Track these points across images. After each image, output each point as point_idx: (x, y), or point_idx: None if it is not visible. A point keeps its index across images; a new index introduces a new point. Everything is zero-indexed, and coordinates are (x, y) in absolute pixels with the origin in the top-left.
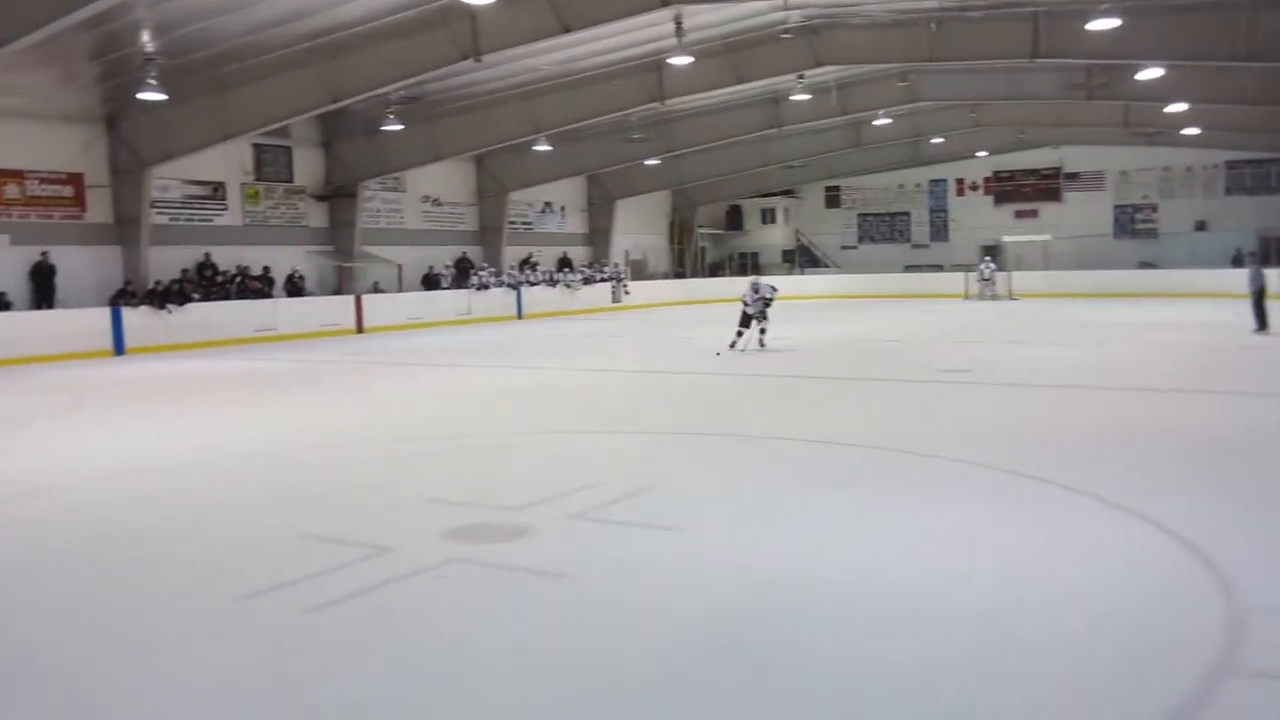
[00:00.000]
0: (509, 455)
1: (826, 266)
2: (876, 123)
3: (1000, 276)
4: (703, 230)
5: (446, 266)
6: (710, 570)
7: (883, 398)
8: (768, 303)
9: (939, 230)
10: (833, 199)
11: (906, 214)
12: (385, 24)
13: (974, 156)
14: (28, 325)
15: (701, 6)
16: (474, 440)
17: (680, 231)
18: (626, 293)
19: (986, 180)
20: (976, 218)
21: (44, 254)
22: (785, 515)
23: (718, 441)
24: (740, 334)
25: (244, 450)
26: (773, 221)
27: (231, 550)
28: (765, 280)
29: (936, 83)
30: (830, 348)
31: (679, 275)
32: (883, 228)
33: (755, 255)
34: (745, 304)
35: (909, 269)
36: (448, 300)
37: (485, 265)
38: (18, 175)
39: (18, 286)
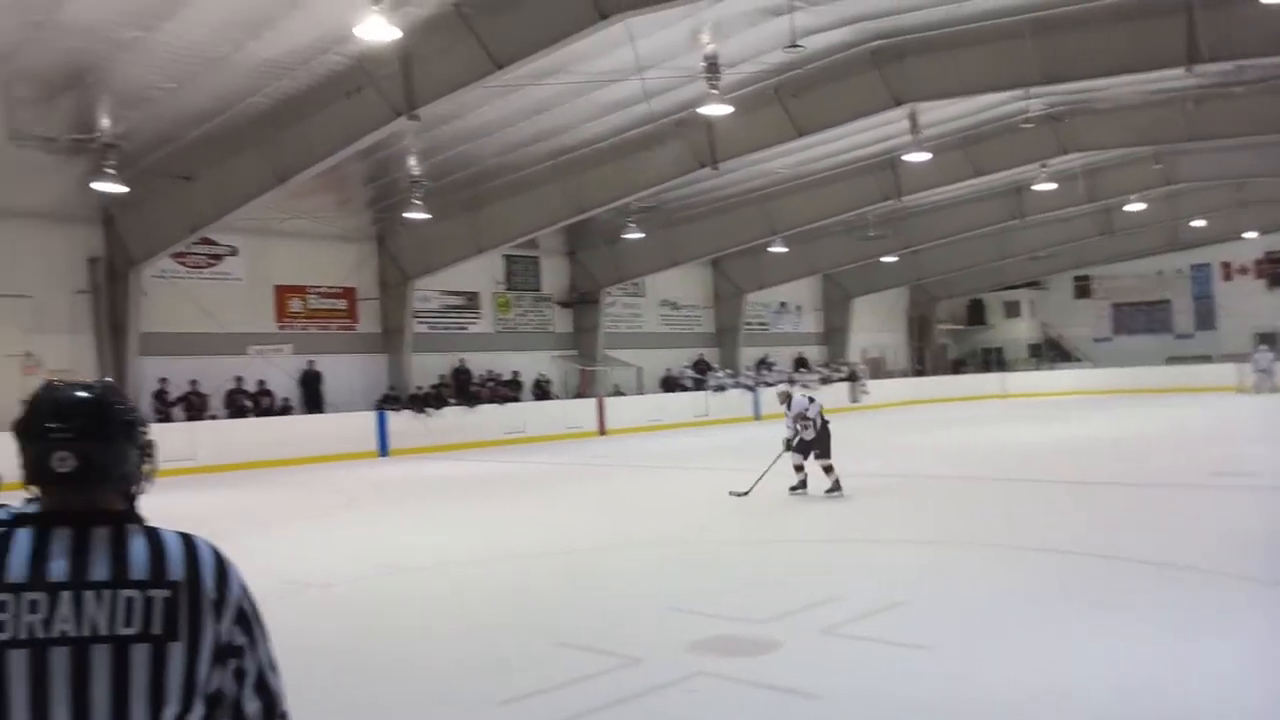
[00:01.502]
0: (752, 563)
1: (1078, 361)
2: (1129, 208)
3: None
4: (943, 326)
5: (684, 368)
6: (967, 695)
7: (1148, 504)
8: (809, 423)
9: (1204, 319)
10: (1082, 289)
11: (1166, 302)
12: (626, 139)
13: (1240, 238)
14: (302, 428)
15: (937, 102)
16: (716, 546)
17: (919, 328)
18: (865, 392)
19: (1257, 263)
20: (1247, 303)
21: (310, 362)
22: (1044, 635)
23: (971, 552)
24: (799, 470)
25: (498, 552)
26: (1017, 315)
27: (487, 653)
28: (801, 392)
29: (1195, 162)
30: (1090, 449)
31: (919, 373)
32: (1140, 318)
33: (999, 351)
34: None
35: (1172, 360)
36: (686, 402)
37: (729, 371)
38: (300, 290)
39: (296, 392)
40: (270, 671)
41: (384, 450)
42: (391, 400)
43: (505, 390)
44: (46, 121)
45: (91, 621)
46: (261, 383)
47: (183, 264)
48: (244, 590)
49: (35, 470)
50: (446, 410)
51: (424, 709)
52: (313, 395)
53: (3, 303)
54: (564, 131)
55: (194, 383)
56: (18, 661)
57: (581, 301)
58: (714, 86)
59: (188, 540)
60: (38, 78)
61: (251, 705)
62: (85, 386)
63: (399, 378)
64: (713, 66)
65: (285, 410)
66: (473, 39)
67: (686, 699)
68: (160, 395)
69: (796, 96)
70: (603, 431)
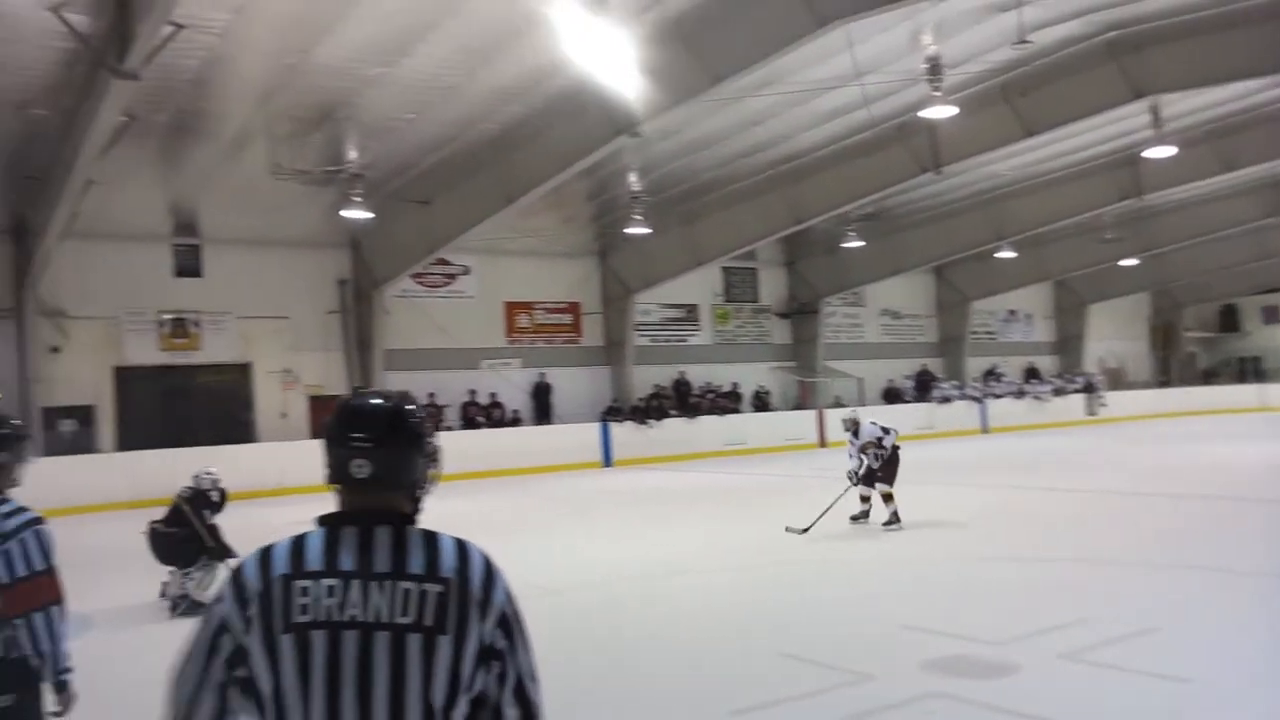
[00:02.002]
0: (984, 581)
1: None
2: None
3: None
4: (1191, 334)
5: (906, 379)
6: None
7: None
8: (883, 452)
9: None
10: None
11: None
12: (844, 146)
13: None
14: (531, 439)
15: (1181, 93)
16: (945, 563)
17: (1164, 336)
18: (1102, 404)
19: None
20: None
21: (541, 374)
22: None
23: (1224, 579)
24: (865, 500)
25: (721, 562)
26: (1277, 321)
27: (715, 662)
28: (870, 419)
29: None
30: None
31: (1164, 384)
32: None
33: (1256, 360)
34: (850, 456)
35: None
36: (908, 414)
37: (953, 381)
38: (528, 306)
39: (525, 404)
40: (530, 681)
41: (608, 460)
42: (614, 412)
43: (725, 402)
44: (302, 156)
45: (375, 608)
46: (493, 395)
47: (421, 283)
48: (508, 596)
49: (337, 473)
50: (667, 421)
51: (656, 715)
52: (543, 406)
53: (267, 323)
54: (781, 141)
55: (431, 395)
56: (318, 642)
57: (800, 312)
58: (936, 88)
59: (461, 543)
60: (294, 116)
61: (511, 712)
62: (384, 397)
63: (621, 390)
64: (935, 68)
65: (515, 421)
66: (690, 54)
67: (923, 719)
68: None
69: (1025, 95)
70: (823, 443)
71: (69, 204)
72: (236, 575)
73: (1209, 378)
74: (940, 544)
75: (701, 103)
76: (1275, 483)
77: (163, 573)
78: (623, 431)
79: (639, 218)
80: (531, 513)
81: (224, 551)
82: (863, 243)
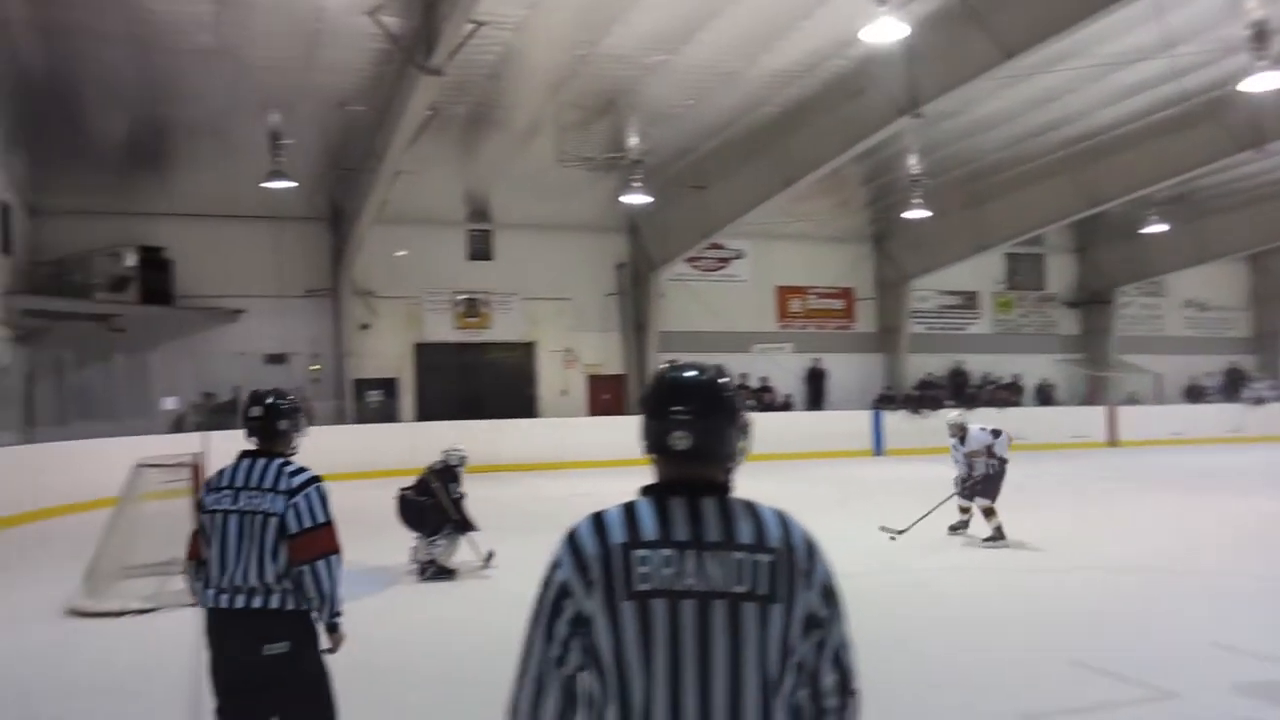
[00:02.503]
0: None
1: None
2: None
3: None
4: None
5: (1210, 376)
6: None
7: None
8: (993, 461)
9: None
10: None
11: None
12: (1148, 123)
13: None
14: (801, 424)
15: None
16: (1264, 581)
17: None
18: None
19: None
20: None
21: (816, 360)
22: None
23: None
24: (964, 511)
25: (1007, 563)
26: None
27: (1005, 664)
28: (979, 425)
29: None
30: None
31: None
32: None
33: None
34: (956, 463)
35: None
36: (1215, 415)
37: (1267, 378)
38: (800, 291)
39: (797, 389)
40: (845, 649)
41: (879, 449)
42: (887, 400)
43: (1004, 394)
44: (586, 144)
45: (710, 578)
46: (764, 379)
47: (695, 267)
48: (829, 568)
49: (656, 445)
50: (941, 412)
51: (941, 712)
52: (816, 392)
53: (550, 304)
54: (1076, 119)
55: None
56: (659, 610)
57: (1091, 302)
58: (1261, 57)
59: (781, 515)
60: (580, 105)
61: (829, 677)
62: (701, 369)
63: (894, 377)
64: (1261, 34)
65: (786, 406)
66: (980, 30)
67: None
68: None
69: None
70: (1113, 442)
71: (380, 192)
72: (573, 541)
73: None
74: (1251, 559)
75: (990, 80)
76: None
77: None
78: (895, 420)
79: (918, 201)
80: (802, 497)
81: (466, 524)
82: (1166, 227)
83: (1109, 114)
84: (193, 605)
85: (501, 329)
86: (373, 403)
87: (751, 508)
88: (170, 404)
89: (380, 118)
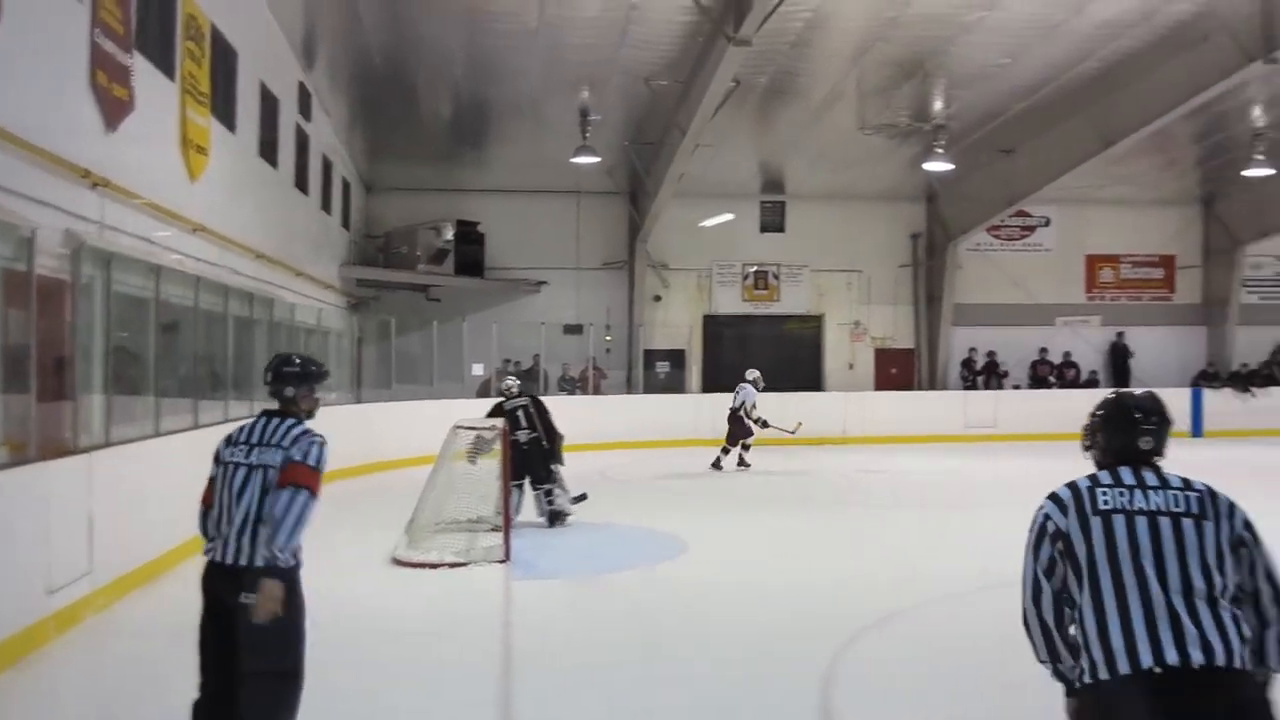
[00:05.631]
0: None
1: None
2: None
3: None
4: None
5: None
6: None
7: None
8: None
9: None
10: None
11: None
12: None
13: None
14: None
15: None
16: None
17: None
18: None
19: None
20: None
21: (1119, 334)
22: None
23: None
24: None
25: None
26: None
27: None
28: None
29: None
30: None
31: None
32: None
33: None
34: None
35: None
36: None
37: None
38: (1113, 260)
39: (1101, 364)
40: (1273, 570)
41: (1197, 430)
42: (1210, 377)
43: None
44: (888, 110)
45: (1155, 503)
46: (1067, 354)
47: (996, 236)
48: (1245, 512)
49: (1123, 449)
50: (1275, 390)
51: None
52: (1120, 368)
53: (839, 277)
54: None
55: (991, 353)
56: (1119, 522)
57: None
58: None
59: (1199, 483)
60: (885, 70)
61: (1265, 588)
62: (1150, 395)
63: (1219, 352)
64: None
65: (1091, 383)
66: None
67: None
68: (968, 364)
69: None
70: None
71: (680, 166)
72: (1053, 495)
73: None
74: None
75: None
76: None
77: None
78: (1218, 399)
79: (1260, 157)
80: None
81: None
82: None
83: None
84: (502, 562)
85: (789, 301)
86: (661, 373)
87: (1169, 475)
88: (478, 370)
89: (685, 91)
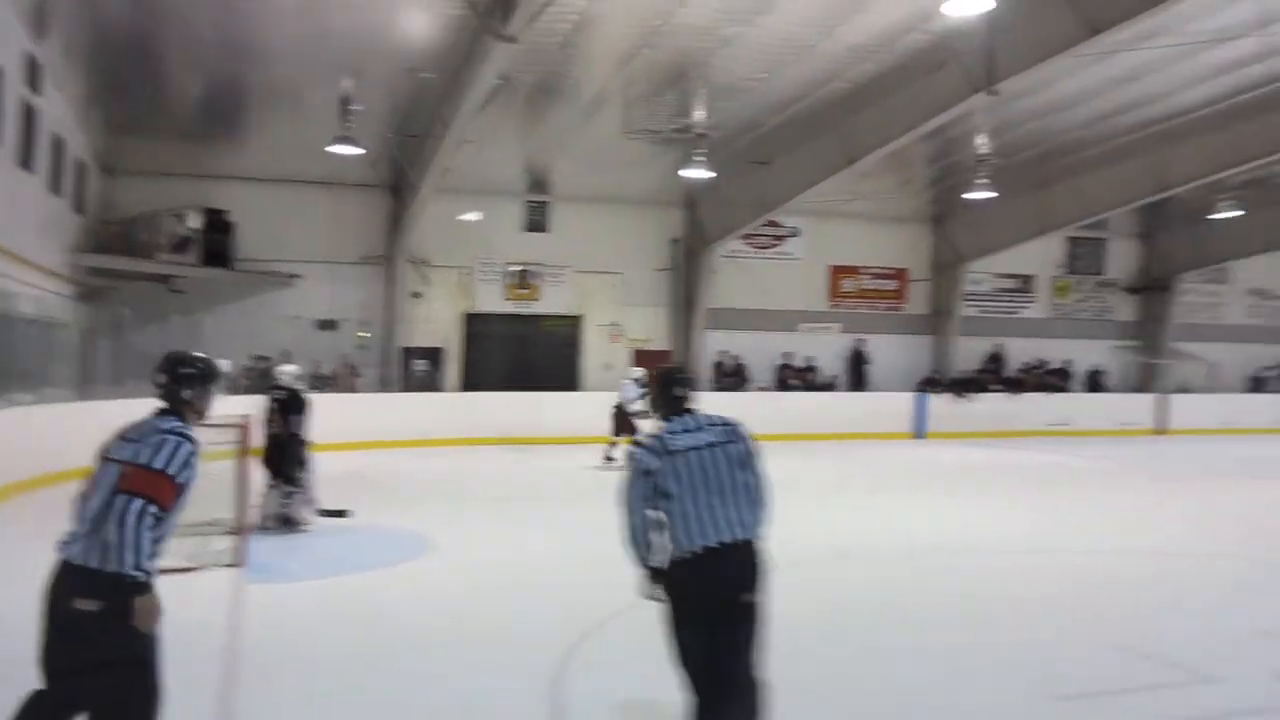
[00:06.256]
0: None
1: None
2: None
3: None
4: None
5: (1269, 369)
6: None
7: None
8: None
9: None
10: None
11: None
12: (1233, 105)
13: None
14: (844, 404)
15: None
16: None
17: None
18: None
19: None
20: None
21: (860, 341)
22: None
23: None
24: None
25: (1041, 544)
26: None
27: (1039, 646)
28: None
29: None
30: None
31: None
32: None
33: None
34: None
35: None
36: (1267, 405)
37: None
38: (853, 271)
39: (841, 370)
40: (765, 476)
41: (920, 432)
42: (932, 383)
43: (1053, 379)
44: (652, 116)
45: (705, 439)
46: (809, 359)
47: (749, 244)
48: (750, 433)
49: (671, 400)
50: (987, 396)
51: (971, 693)
52: (858, 373)
53: (600, 278)
54: (1156, 100)
55: (736, 357)
56: (692, 456)
57: (1151, 288)
58: None
59: (723, 417)
60: (650, 76)
61: (755, 480)
62: (683, 368)
63: (942, 360)
64: None
65: (830, 386)
66: (1066, 5)
67: None
68: (719, 366)
69: None
70: (1161, 430)
71: (443, 161)
72: (641, 444)
73: None
74: None
75: (1072, 58)
76: None
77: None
78: (939, 403)
79: (983, 182)
80: (845, 478)
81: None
82: (1239, 212)
83: (1191, 95)
84: (235, 566)
85: (551, 301)
86: (419, 371)
87: (699, 414)
88: (224, 366)
89: (450, 85)
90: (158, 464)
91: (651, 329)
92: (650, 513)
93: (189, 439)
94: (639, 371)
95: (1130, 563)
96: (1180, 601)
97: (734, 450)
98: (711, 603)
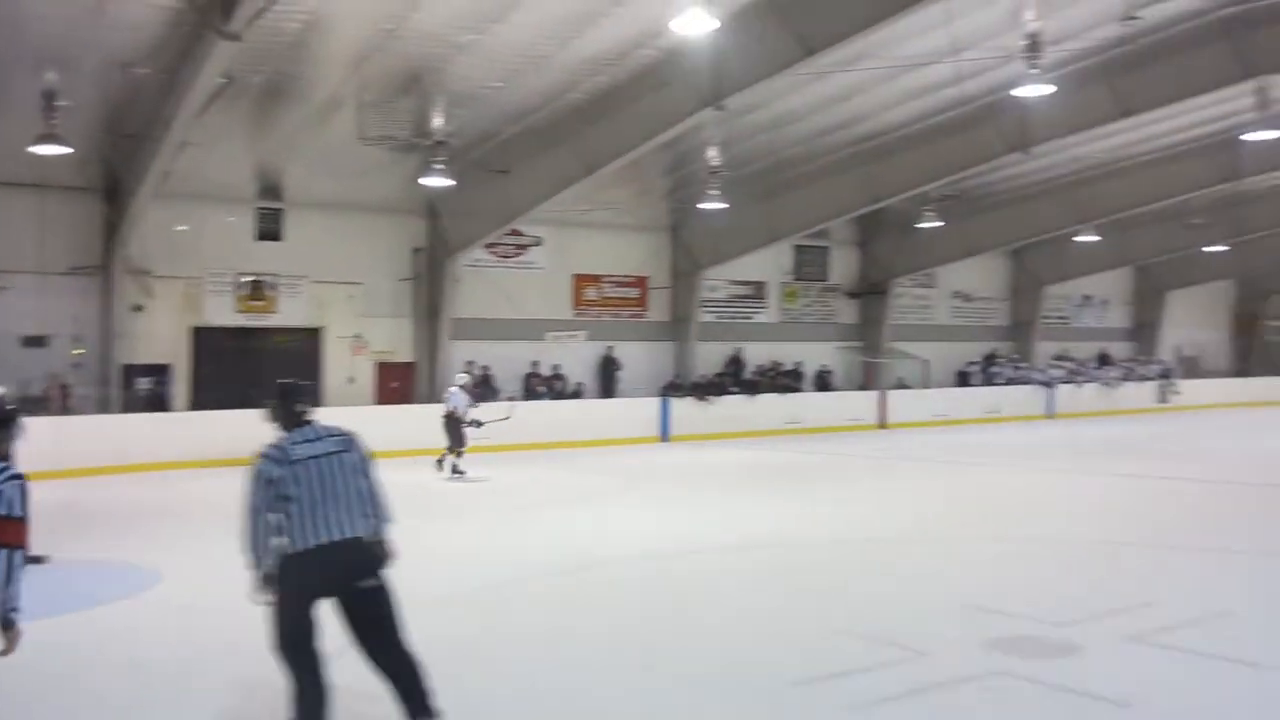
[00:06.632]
0: (1048, 563)
1: None
2: None
3: None
4: (1275, 323)
5: (972, 364)
6: None
7: None
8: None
9: None
10: None
11: None
12: (930, 124)
13: None
14: (592, 411)
15: None
16: (1009, 545)
17: (1246, 325)
18: (1175, 392)
19: None
20: None
21: (610, 348)
22: None
23: None
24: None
25: (776, 539)
26: None
27: (769, 637)
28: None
29: None
30: None
31: (1241, 373)
32: None
33: None
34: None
35: None
36: (973, 398)
37: (1016, 359)
38: (596, 279)
39: (590, 377)
40: (379, 477)
41: (665, 435)
42: (675, 387)
43: (786, 380)
44: (388, 122)
45: (324, 449)
46: (555, 367)
47: (493, 253)
48: (365, 442)
49: (291, 414)
50: (726, 398)
51: (714, 683)
52: (608, 380)
53: (340, 289)
54: (866, 119)
55: (485, 368)
56: (311, 465)
57: (870, 292)
58: (1034, 66)
59: (342, 429)
60: (384, 82)
61: (369, 486)
62: (296, 382)
63: (684, 365)
64: (1035, 45)
65: (577, 394)
66: (784, 27)
67: (984, 695)
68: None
69: (1126, 73)
70: (883, 425)
71: (163, 164)
72: (265, 455)
73: None
74: (1002, 526)
75: (791, 76)
76: None
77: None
78: (682, 407)
79: (715, 193)
80: (588, 485)
81: None
82: (941, 223)
83: (896, 114)
84: None
85: (287, 313)
86: (142, 390)
87: (325, 425)
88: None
89: (169, 83)
90: (18, 512)
91: (396, 340)
92: (271, 516)
93: (21, 475)
94: (464, 377)
95: (845, 551)
96: (895, 583)
97: (349, 459)
98: (332, 589)
